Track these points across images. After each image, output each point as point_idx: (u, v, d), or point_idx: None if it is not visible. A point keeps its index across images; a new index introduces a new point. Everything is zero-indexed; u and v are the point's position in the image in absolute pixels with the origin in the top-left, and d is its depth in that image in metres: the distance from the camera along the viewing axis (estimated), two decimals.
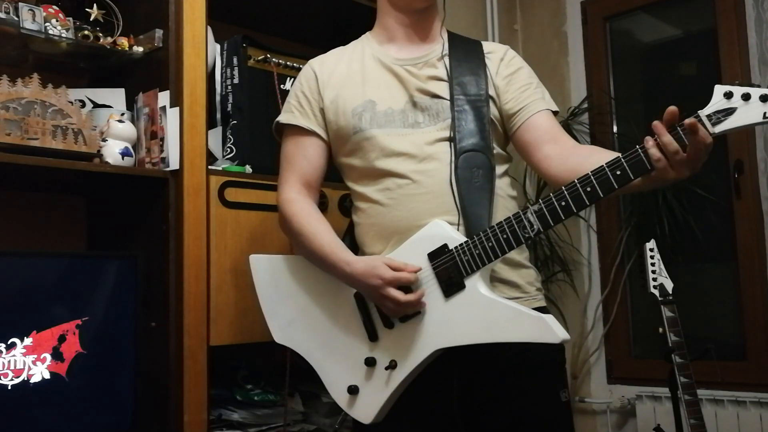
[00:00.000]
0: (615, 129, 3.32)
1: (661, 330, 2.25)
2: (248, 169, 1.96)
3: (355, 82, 1.57)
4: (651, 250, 2.32)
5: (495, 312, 1.37)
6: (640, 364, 3.15)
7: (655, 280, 2.28)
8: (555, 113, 1.59)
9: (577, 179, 1.31)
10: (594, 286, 3.29)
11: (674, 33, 3.30)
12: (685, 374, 2.17)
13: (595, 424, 3.23)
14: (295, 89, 1.65)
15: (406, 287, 1.41)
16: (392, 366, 1.44)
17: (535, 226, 1.35)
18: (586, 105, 3.32)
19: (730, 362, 2.80)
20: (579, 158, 1.43)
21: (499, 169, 1.54)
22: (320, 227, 1.53)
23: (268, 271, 1.64)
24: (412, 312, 1.42)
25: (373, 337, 1.48)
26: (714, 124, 1.23)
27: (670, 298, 2.25)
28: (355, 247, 1.58)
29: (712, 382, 2.66)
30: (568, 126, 3.28)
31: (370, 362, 1.47)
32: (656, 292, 2.27)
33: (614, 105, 3.32)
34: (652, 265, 2.30)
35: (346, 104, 1.55)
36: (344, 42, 1.70)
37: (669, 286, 2.27)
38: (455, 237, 1.42)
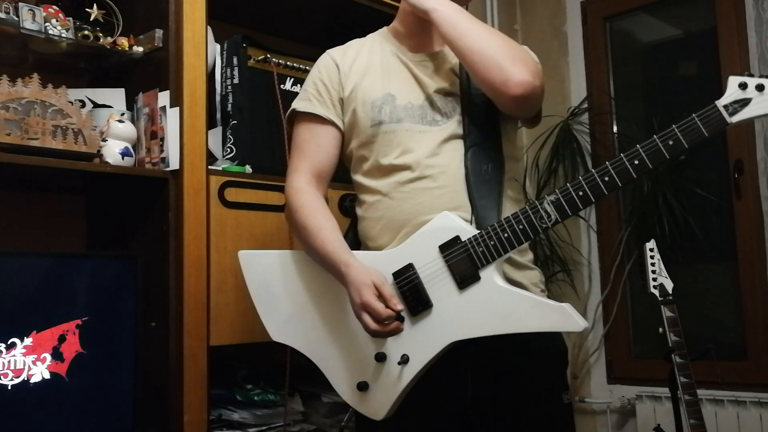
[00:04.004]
0: (615, 129, 3.32)
1: (661, 330, 2.24)
2: (248, 169, 1.96)
3: (375, 74, 1.56)
4: (651, 250, 2.32)
5: (514, 302, 1.36)
6: (640, 364, 3.15)
7: (655, 280, 2.28)
8: None
9: (595, 169, 1.34)
10: (594, 286, 3.30)
11: (674, 33, 3.29)
12: (685, 374, 2.17)
13: (595, 424, 3.23)
14: (312, 77, 1.62)
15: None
16: (404, 360, 1.41)
17: (552, 216, 1.35)
18: (586, 105, 3.32)
19: (730, 362, 2.80)
20: None
21: (507, 170, 1.54)
22: (325, 224, 1.51)
23: (260, 268, 1.61)
24: (384, 335, 1.37)
25: None
26: (731, 114, 1.27)
27: (670, 298, 2.25)
28: (357, 243, 1.57)
29: (712, 382, 2.65)
30: (568, 126, 3.28)
31: (381, 357, 1.43)
32: (656, 292, 2.27)
33: (614, 105, 3.32)
34: (652, 265, 2.30)
35: (366, 95, 1.54)
36: (343, 42, 1.70)
37: (669, 286, 2.27)
38: (467, 228, 1.41)
